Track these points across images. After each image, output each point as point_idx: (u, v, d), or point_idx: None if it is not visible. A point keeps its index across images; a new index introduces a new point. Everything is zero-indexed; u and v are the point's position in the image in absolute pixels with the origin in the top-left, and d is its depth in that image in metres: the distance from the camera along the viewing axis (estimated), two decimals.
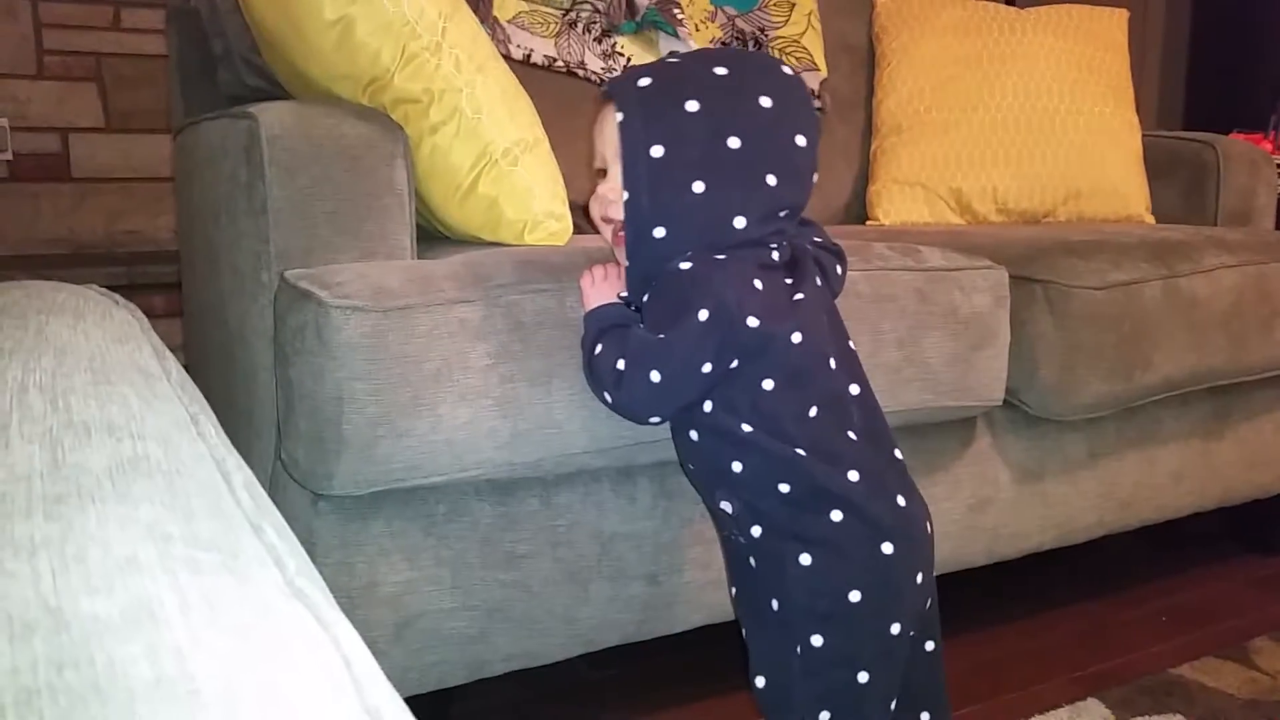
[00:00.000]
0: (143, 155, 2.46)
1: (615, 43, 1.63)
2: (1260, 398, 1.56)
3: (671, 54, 1.00)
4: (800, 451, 0.85)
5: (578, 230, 1.23)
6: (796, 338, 0.86)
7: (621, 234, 0.90)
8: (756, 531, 0.88)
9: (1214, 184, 1.85)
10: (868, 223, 1.84)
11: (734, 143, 0.85)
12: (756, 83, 0.88)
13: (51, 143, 2.39)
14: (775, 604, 0.88)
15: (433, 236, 1.17)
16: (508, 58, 1.42)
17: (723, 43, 1.77)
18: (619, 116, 0.86)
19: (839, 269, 1.01)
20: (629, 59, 1.63)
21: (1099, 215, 1.83)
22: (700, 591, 1.12)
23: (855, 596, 0.85)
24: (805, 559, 0.85)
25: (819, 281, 0.93)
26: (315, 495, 0.95)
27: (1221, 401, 1.51)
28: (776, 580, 0.87)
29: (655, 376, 0.85)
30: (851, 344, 0.94)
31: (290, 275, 0.95)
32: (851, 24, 1.96)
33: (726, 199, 0.86)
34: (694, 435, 0.90)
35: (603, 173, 0.93)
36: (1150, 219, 1.86)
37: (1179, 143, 1.93)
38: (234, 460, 0.44)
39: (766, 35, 1.81)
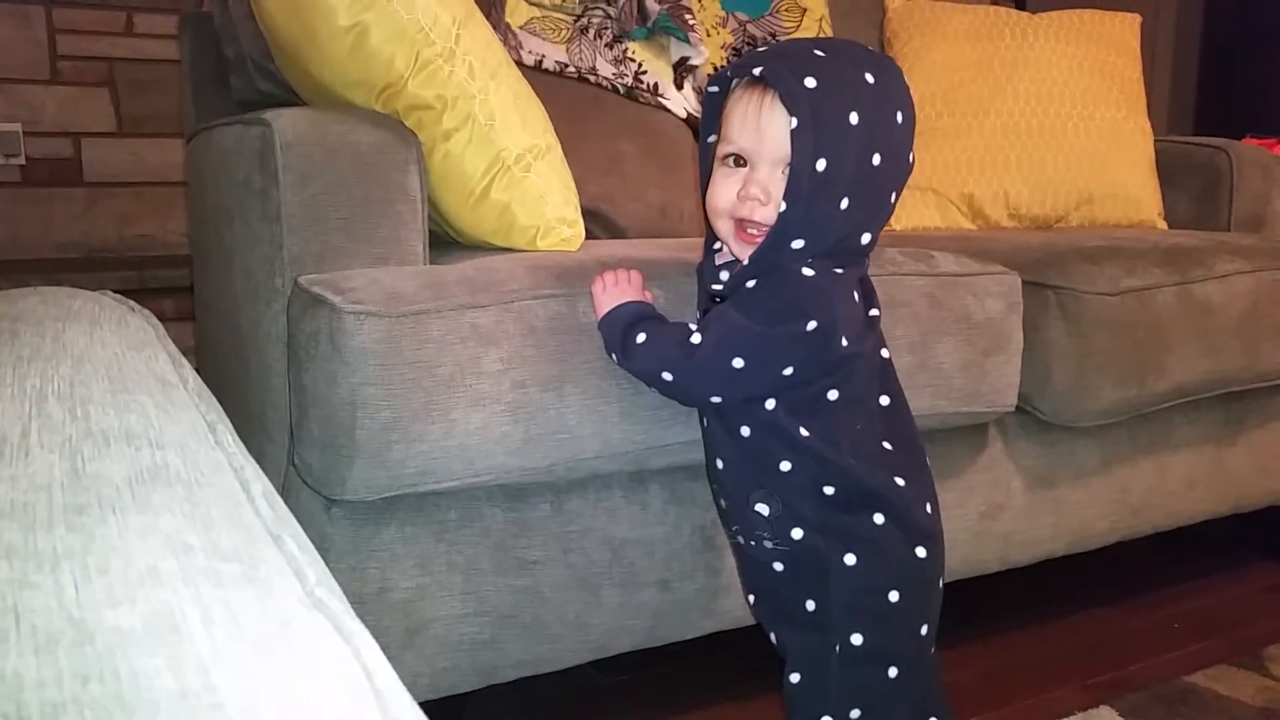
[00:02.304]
0: (155, 160, 2.47)
1: (626, 48, 1.63)
2: (1274, 404, 1.55)
3: (779, 39, 0.93)
4: (850, 459, 0.87)
5: (590, 236, 1.23)
6: (860, 356, 0.88)
7: (752, 234, 0.86)
8: (797, 534, 0.88)
9: (1227, 189, 1.84)
10: None
11: (876, 159, 0.83)
12: (895, 94, 0.85)
13: (64, 147, 2.40)
14: (811, 604, 0.89)
15: (445, 242, 1.17)
16: (520, 64, 1.42)
17: (734, 49, 1.77)
18: (794, 122, 0.80)
19: None
20: (640, 64, 1.63)
21: (1111, 221, 1.82)
22: (711, 597, 1.12)
23: (894, 596, 0.87)
24: (850, 559, 0.87)
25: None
26: (328, 500, 0.95)
27: (1235, 408, 1.50)
28: (816, 581, 0.88)
29: (738, 363, 0.84)
30: (885, 352, 0.93)
31: (304, 281, 0.95)
32: (862, 29, 1.96)
33: (862, 216, 0.85)
34: (745, 431, 0.89)
35: (738, 161, 0.86)
36: (1163, 224, 1.85)
37: (1192, 148, 1.92)
38: (252, 469, 0.44)
39: (777, 41, 1.81)
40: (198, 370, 0.66)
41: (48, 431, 0.42)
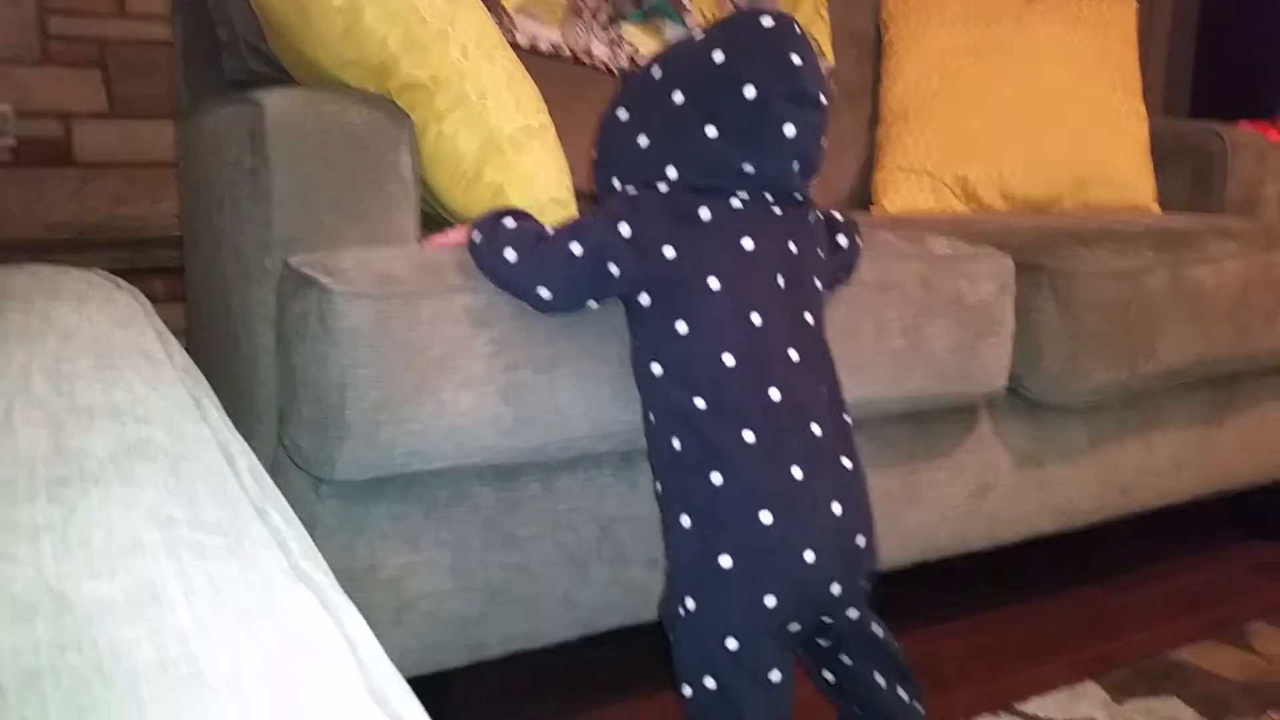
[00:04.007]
0: (146, 141, 2.46)
1: (621, 31, 1.63)
2: (1262, 386, 1.56)
3: None
4: (699, 402, 0.86)
5: None
6: (714, 284, 0.87)
7: None
8: (658, 487, 0.92)
9: (1221, 173, 1.84)
10: (872, 210, 1.84)
11: (678, 97, 0.89)
12: (718, 39, 0.90)
13: (55, 128, 2.38)
14: (666, 565, 0.92)
15: (437, 224, 1.17)
16: (514, 45, 1.42)
17: None
18: None
19: (842, 239, 1.04)
20: (635, 47, 1.63)
21: (1105, 204, 1.82)
22: None
23: (726, 562, 0.84)
24: (685, 521, 0.87)
25: (792, 246, 0.92)
26: (317, 480, 0.95)
27: (1224, 389, 1.51)
28: (667, 542, 0.91)
29: (576, 248, 0.88)
30: (809, 317, 0.92)
31: (294, 261, 0.95)
32: (859, 12, 1.95)
33: (662, 150, 0.91)
34: (636, 380, 0.93)
35: None
36: (1156, 208, 1.85)
37: (1186, 132, 1.92)
38: (238, 444, 0.45)
39: None
40: (187, 351, 0.66)
41: (32, 407, 0.42)
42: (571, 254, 0.88)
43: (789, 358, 0.89)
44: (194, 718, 0.26)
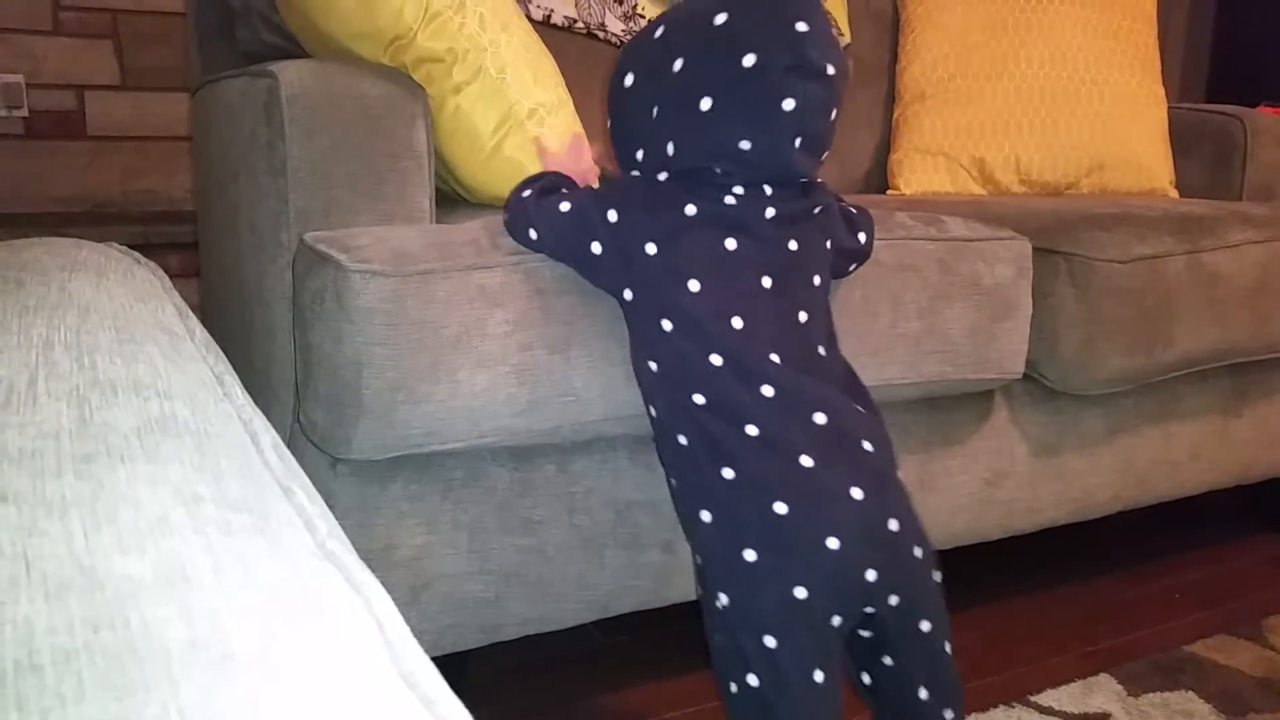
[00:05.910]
0: (159, 114, 2.45)
1: (636, 4, 1.61)
2: None
3: None
4: (698, 398, 0.84)
5: None
6: (694, 286, 0.85)
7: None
8: (674, 483, 0.90)
9: (1240, 158, 1.82)
10: (889, 192, 1.83)
11: (677, 65, 0.85)
12: (724, 1, 0.84)
13: (67, 100, 2.37)
14: (699, 559, 0.88)
15: (452, 200, 1.16)
16: (528, 18, 1.40)
17: None
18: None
19: (861, 237, 1.02)
20: (650, 21, 1.61)
21: (1122, 188, 1.80)
22: None
23: (750, 556, 0.81)
24: (706, 516, 0.84)
25: (792, 244, 0.88)
26: (334, 458, 0.95)
27: (1241, 379, 1.50)
28: (691, 535, 0.89)
29: (564, 206, 0.90)
30: (803, 316, 0.88)
31: (309, 238, 0.94)
32: None
33: (663, 124, 0.87)
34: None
35: None
36: (1174, 193, 1.84)
37: (1205, 115, 1.90)
38: (260, 421, 0.44)
39: None
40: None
41: (55, 380, 0.41)
42: (559, 210, 0.90)
43: (772, 360, 0.85)
44: (226, 697, 0.25)
